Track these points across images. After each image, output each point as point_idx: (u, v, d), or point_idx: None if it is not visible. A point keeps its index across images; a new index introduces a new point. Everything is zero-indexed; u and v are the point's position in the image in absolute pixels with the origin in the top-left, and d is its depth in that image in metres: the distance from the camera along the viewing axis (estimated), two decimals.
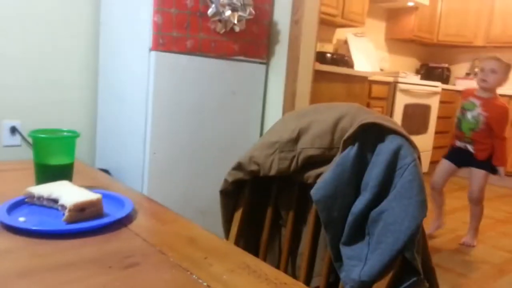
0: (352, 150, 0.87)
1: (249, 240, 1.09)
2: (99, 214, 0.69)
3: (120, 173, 1.91)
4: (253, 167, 1.04)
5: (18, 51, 1.97)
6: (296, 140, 1.01)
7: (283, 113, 2.20)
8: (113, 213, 0.70)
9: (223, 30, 1.97)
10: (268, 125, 2.24)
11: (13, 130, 1.99)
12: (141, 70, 1.83)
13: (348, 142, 0.88)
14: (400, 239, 0.75)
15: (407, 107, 4.07)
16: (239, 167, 1.07)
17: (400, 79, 3.99)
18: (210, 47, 1.95)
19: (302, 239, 1.04)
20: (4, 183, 0.87)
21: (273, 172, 1.02)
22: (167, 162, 1.90)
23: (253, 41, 2.12)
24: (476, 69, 2.44)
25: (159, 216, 0.77)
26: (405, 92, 4.03)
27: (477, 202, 2.62)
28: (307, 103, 2.32)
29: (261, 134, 2.26)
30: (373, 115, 0.91)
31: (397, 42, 5.00)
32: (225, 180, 1.08)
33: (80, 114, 2.19)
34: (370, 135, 0.87)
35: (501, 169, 2.51)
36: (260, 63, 2.20)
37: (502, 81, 2.44)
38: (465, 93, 2.66)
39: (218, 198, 1.11)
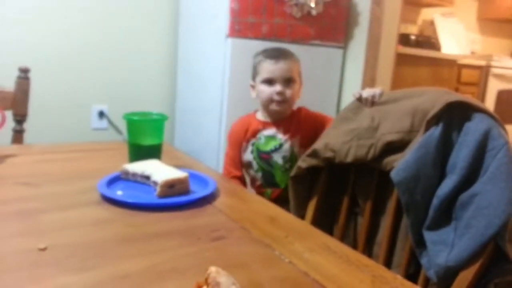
0: (436, 130, 0.82)
1: (322, 228, 1.09)
2: (186, 191, 0.73)
3: (196, 154, 2.00)
4: (329, 154, 1.03)
5: (104, 41, 2.14)
6: (376, 128, 0.98)
7: None
8: (199, 191, 0.74)
9: (299, 14, 1.95)
10: None
11: (101, 114, 2.17)
12: (218, 56, 1.89)
13: (432, 122, 0.83)
14: (494, 223, 0.70)
15: (501, 94, 3.71)
16: (314, 153, 1.06)
17: (493, 63, 3.65)
18: (285, 32, 1.94)
19: (380, 229, 1.01)
20: (100, 161, 0.96)
21: (349, 159, 1.00)
22: None
23: (330, 24, 2.07)
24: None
25: (239, 195, 0.80)
26: (499, 77, 3.67)
27: None
28: (387, 89, 2.22)
29: None
30: (458, 95, 0.86)
31: (491, 22, 4.55)
32: (298, 167, 1.08)
33: (161, 98, 2.33)
34: (455, 115, 0.82)
35: None
36: (337, 47, 2.15)
37: (301, 86, 1.31)
38: (239, 132, 1.31)
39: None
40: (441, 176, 0.83)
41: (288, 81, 1.22)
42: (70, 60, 2.06)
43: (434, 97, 0.89)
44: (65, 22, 2.02)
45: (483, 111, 0.80)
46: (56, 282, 0.46)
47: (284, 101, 1.22)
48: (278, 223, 0.66)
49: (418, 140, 0.85)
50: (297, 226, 0.66)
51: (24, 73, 1.26)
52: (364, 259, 0.56)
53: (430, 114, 0.84)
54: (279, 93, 1.20)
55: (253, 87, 1.29)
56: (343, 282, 0.49)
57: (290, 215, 0.70)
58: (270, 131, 1.27)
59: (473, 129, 0.78)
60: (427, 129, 0.84)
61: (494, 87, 3.66)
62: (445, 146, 0.82)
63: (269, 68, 1.22)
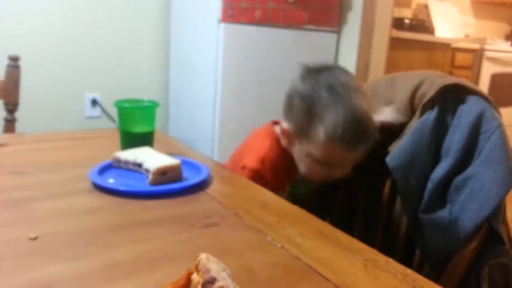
0: (431, 114, 0.82)
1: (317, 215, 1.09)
2: (179, 178, 0.73)
3: (191, 143, 2.00)
4: None
5: (96, 29, 2.11)
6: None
7: None
8: (191, 178, 0.74)
9: None
10: None
11: (94, 102, 2.15)
12: (210, 41, 1.87)
13: (427, 106, 0.83)
14: (488, 205, 0.71)
15: (494, 77, 3.72)
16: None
17: (487, 46, 3.65)
18: (278, 16, 1.92)
19: (375, 214, 1.02)
20: (92, 149, 0.96)
21: None
22: (236, 134, 1.94)
23: (324, 8, 2.05)
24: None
25: (232, 182, 0.80)
26: (493, 60, 3.67)
27: None
28: (381, 73, 2.21)
29: None
30: (452, 78, 0.86)
31: (485, 6, 4.53)
32: None
33: (154, 86, 2.31)
34: (450, 98, 0.82)
35: None
36: (331, 31, 2.13)
37: None
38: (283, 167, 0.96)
39: None
40: (436, 160, 0.83)
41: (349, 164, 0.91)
42: (62, 48, 2.03)
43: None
44: (57, 10, 1.99)
45: (477, 94, 0.80)
46: (47, 271, 0.45)
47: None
48: (271, 209, 0.66)
49: (414, 125, 0.85)
50: (289, 211, 0.66)
51: (14, 61, 1.24)
52: (356, 243, 0.56)
53: (425, 98, 0.84)
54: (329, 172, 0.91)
55: (288, 137, 0.93)
56: (335, 266, 0.50)
57: (283, 200, 0.70)
58: None
59: (467, 111, 0.78)
60: (422, 113, 0.84)
61: (488, 70, 3.66)
62: (439, 130, 0.82)
63: (336, 154, 0.86)
